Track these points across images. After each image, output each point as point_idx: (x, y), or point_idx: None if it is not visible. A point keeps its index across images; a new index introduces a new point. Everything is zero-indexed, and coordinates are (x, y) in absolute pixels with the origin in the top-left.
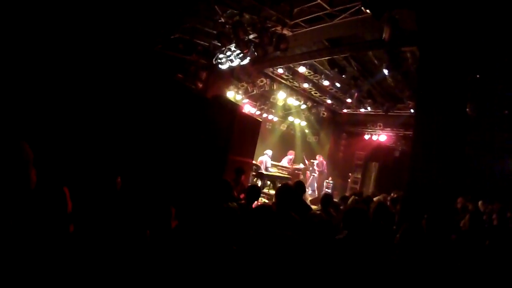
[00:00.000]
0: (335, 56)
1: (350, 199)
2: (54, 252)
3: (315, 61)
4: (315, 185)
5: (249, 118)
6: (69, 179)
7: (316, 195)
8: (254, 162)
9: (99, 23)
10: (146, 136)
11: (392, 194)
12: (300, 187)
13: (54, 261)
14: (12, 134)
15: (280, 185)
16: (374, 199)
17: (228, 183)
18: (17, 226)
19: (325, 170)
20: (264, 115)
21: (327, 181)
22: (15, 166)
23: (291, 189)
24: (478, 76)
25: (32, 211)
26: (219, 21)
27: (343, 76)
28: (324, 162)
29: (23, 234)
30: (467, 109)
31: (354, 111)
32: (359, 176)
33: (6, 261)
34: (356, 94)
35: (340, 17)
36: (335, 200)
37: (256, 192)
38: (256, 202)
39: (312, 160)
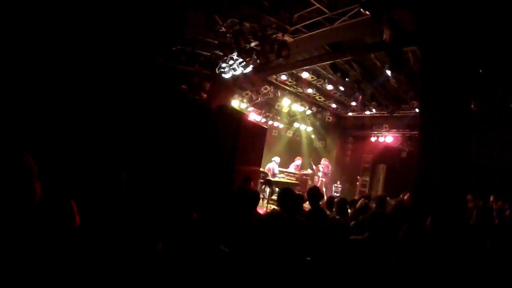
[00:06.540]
0: (337, 60)
1: (359, 201)
2: (59, 266)
3: (317, 66)
4: (324, 189)
5: (255, 126)
6: (74, 192)
7: (325, 200)
8: (261, 169)
9: (101, 37)
10: (151, 149)
11: (401, 196)
12: (317, 193)
13: (59, 275)
14: (16, 146)
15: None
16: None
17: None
18: (22, 240)
19: (329, 174)
20: (270, 122)
21: (335, 185)
22: (19, 179)
23: (291, 192)
24: (480, 71)
25: (37, 224)
26: (220, 31)
27: (346, 79)
28: (330, 166)
29: (28, 247)
30: (472, 105)
31: (359, 114)
32: (367, 179)
33: (10, 273)
34: (360, 97)
35: (340, 21)
36: None
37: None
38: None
39: (319, 165)
